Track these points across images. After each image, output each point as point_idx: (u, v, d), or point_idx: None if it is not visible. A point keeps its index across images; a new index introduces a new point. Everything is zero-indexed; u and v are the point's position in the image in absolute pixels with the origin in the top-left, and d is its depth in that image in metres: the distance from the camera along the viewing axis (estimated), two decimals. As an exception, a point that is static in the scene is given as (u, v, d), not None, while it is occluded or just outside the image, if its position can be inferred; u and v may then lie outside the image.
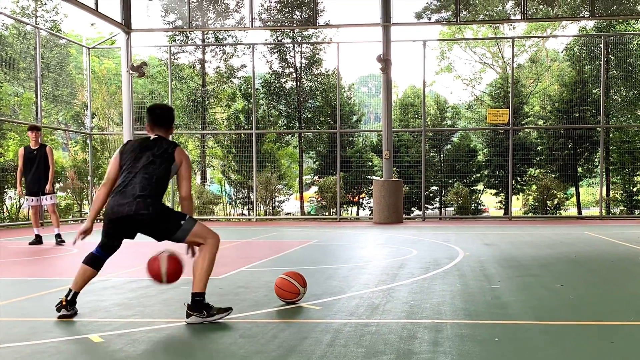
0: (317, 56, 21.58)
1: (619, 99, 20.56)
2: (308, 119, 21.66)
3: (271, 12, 20.29)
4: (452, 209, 20.85)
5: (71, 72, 21.87)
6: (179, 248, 4.49)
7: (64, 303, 4.49)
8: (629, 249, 9.12)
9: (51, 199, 10.30)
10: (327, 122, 21.41)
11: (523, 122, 21.23)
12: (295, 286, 4.91)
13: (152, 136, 4.54)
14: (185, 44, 21.98)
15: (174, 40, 21.92)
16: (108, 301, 5.18)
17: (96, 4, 16.45)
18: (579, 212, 20.67)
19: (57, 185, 18.60)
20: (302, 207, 21.98)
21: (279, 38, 21.98)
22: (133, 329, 4.15)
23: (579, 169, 20.56)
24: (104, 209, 4.50)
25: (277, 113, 21.95)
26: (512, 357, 3.45)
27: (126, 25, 17.63)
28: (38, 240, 10.35)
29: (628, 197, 19.91)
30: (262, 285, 5.87)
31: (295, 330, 4.07)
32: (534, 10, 17.92)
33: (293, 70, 21.56)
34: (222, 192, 21.65)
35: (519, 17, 18.00)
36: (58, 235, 10.37)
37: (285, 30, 21.72)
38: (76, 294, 4.53)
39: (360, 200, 21.55)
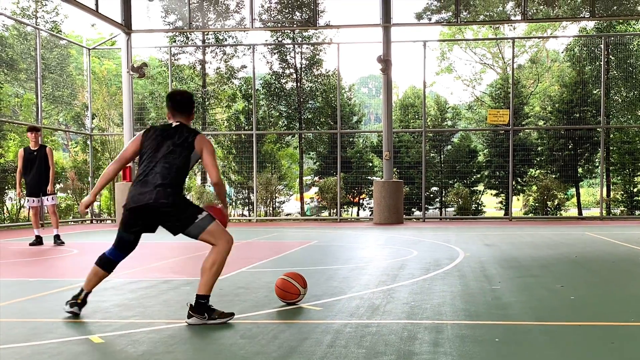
0: (317, 57, 21.59)
1: (620, 100, 20.56)
2: (308, 120, 21.67)
3: (271, 12, 20.30)
4: (453, 209, 20.85)
5: (71, 73, 21.89)
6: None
7: (78, 301, 4.52)
8: (630, 250, 9.11)
9: (52, 199, 10.31)
10: (327, 122, 21.42)
11: (523, 123, 21.23)
12: (295, 287, 4.91)
13: (174, 123, 4.51)
14: (185, 44, 21.99)
15: (174, 41, 21.93)
16: (108, 302, 5.18)
17: (96, 4, 16.46)
18: (580, 213, 20.66)
19: (58, 186, 18.61)
20: (302, 208, 21.98)
21: (279, 39, 22.00)
22: (133, 330, 4.15)
23: (580, 170, 20.56)
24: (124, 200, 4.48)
25: (278, 114, 21.96)
26: (513, 358, 3.45)
27: (126, 26, 17.63)
28: (38, 241, 10.35)
29: (628, 197, 19.91)
30: (262, 286, 5.87)
31: (295, 331, 4.07)
32: (534, 10, 17.92)
33: (293, 71, 21.57)
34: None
35: (519, 17, 18.00)
36: (57, 237, 10.38)
37: (286, 31, 21.73)
38: (87, 293, 4.55)
39: (361, 201, 21.55)
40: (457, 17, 17.26)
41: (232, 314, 4.41)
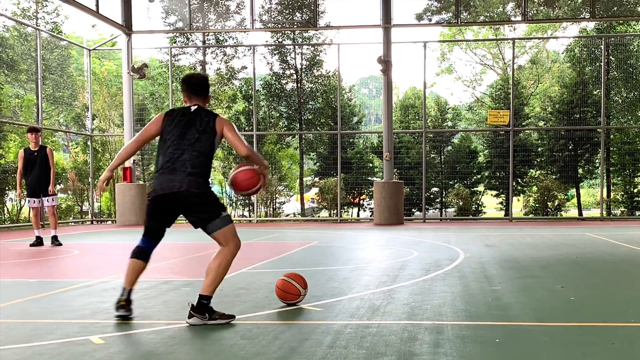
0: (317, 58, 21.60)
1: (620, 100, 20.57)
2: (309, 121, 21.67)
3: (272, 13, 20.31)
4: (453, 210, 20.85)
5: (72, 74, 21.90)
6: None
7: (123, 303, 4.39)
8: (630, 250, 9.11)
9: (52, 200, 10.31)
10: (327, 123, 21.42)
11: (524, 124, 21.23)
12: (296, 287, 4.91)
13: (192, 107, 4.50)
14: (186, 45, 22.00)
15: (175, 42, 21.95)
16: (109, 303, 5.17)
17: (97, 5, 16.47)
18: (580, 214, 20.65)
19: (58, 187, 18.61)
20: (302, 209, 21.99)
21: (280, 39, 22.01)
22: (134, 331, 4.15)
23: (580, 170, 20.56)
24: (148, 189, 4.46)
25: (278, 114, 21.97)
26: (513, 359, 3.45)
27: (127, 27, 17.65)
28: (39, 241, 10.35)
29: (629, 198, 19.91)
30: (262, 287, 5.87)
31: (296, 332, 4.07)
32: (535, 11, 17.93)
33: (294, 72, 21.58)
34: (222, 193, 21.66)
35: (519, 18, 18.00)
36: (55, 237, 10.38)
37: (286, 32, 21.74)
38: (130, 291, 4.43)
39: (361, 202, 21.55)
40: (458, 18, 17.27)
41: (233, 316, 4.41)
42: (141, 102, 21.26)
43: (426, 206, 19.26)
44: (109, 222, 19.79)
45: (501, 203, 21.41)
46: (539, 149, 20.93)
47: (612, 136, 20.14)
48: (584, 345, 3.73)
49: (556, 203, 19.74)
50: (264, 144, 20.73)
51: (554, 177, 20.07)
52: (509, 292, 5.52)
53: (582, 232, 12.87)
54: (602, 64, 18.73)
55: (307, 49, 21.67)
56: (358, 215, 21.52)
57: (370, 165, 21.61)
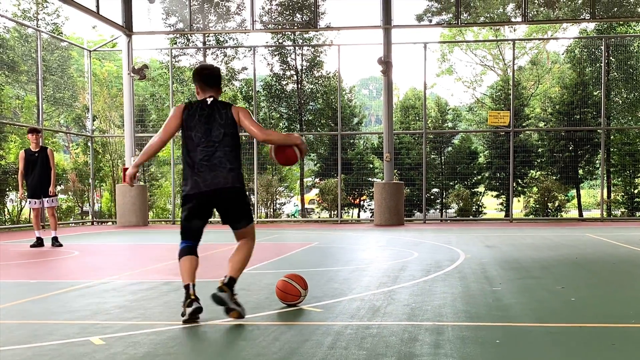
0: (318, 58, 21.61)
1: (620, 101, 20.57)
2: (309, 121, 21.67)
3: (272, 14, 20.33)
4: (453, 211, 20.85)
5: (72, 75, 21.91)
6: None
7: (193, 297, 4.29)
8: (630, 251, 9.11)
9: (53, 201, 10.32)
10: (328, 124, 21.43)
11: (524, 124, 21.24)
12: (296, 288, 4.90)
13: (208, 99, 4.51)
14: (186, 46, 22.01)
15: (175, 43, 21.95)
16: (109, 303, 5.18)
17: (97, 6, 16.48)
18: (580, 214, 20.65)
19: (58, 188, 18.61)
20: (302, 209, 21.98)
21: (280, 40, 22.02)
22: (134, 332, 4.15)
23: (580, 171, 20.56)
24: (183, 189, 4.43)
25: (278, 115, 21.97)
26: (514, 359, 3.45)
27: (127, 28, 17.66)
28: (39, 242, 10.36)
29: (629, 199, 19.90)
30: (263, 288, 5.87)
31: (296, 333, 4.07)
32: (535, 12, 17.93)
33: (294, 73, 21.59)
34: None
35: (519, 19, 18.01)
36: (55, 238, 10.38)
37: (286, 33, 21.74)
38: (194, 286, 4.35)
39: (361, 203, 21.55)
40: (458, 19, 17.27)
41: (243, 314, 4.43)
42: (141, 103, 21.27)
43: (426, 207, 19.26)
44: (110, 223, 19.80)
45: (501, 204, 21.41)
46: (539, 150, 20.93)
47: (612, 137, 20.15)
48: (584, 346, 3.73)
49: (556, 204, 19.74)
50: (264, 145, 20.72)
51: (554, 177, 20.07)
52: (509, 292, 5.52)
53: (583, 233, 12.86)
54: (602, 64, 18.74)
55: (308, 49, 21.68)
56: (358, 216, 21.52)
57: (371, 166, 21.61)
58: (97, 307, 4.99)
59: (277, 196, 20.90)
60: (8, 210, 18.14)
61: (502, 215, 21.10)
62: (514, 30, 27.71)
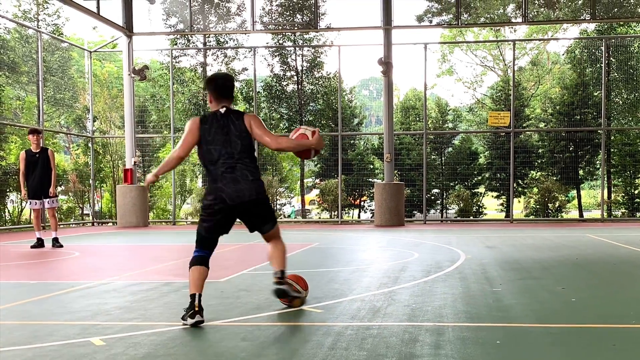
0: (318, 59, 21.61)
1: (620, 102, 20.56)
2: (309, 122, 21.67)
3: (272, 15, 20.33)
4: (454, 211, 20.86)
5: (73, 76, 21.91)
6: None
7: (196, 309, 4.29)
8: (631, 252, 9.11)
9: (53, 202, 10.33)
10: (328, 125, 21.43)
11: (524, 125, 21.24)
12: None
13: (221, 109, 4.52)
14: (186, 47, 22.02)
15: (176, 44, 21.96)
16: (110, 304, 5.18)
17: (98, 7, 16.49)
18: (581, 215, 20.65)
19: (59, 189, 18.61)
20: (303, 210, 21.98)
21: (281, 41, 22.02)
22: (135, 332, 4.15)
23: (581, 172, 20.55)
24: (206, 201, 4.45)
25: (279, 116, 21.97)
26: (514, 360, 3.45)
27: (128, 28, 17.66)
28: (40, 243, 10.36)
29: (629, 199, 19.89)
30: (263, 288, 5.87)
31: (297, 334, 4.07)
32: (535, 13, 17.93)
33: (294, 74, 21.59)
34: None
35: (520, 20, 18.01)
36: (55, 239, 10.38)
37: (287, 34, 21.75)
38: (200, 296, 4.37)
39: (362, 203, 21.55)
40: (458, 20, 17.27)
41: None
42: (142, 103, 21.27)
43: (427, 207, 19.26)
44: (110, 224, 19.80)
45: (502, 204, 21.41)
46: (540, 151, 20.93)
47: (612, 137, 20.14)
48: (585, 346, 3.73)
49: (557, 204, 19.74)
50: (264, 146, 20.72)
51: (554, 178, 20.06)
52: (509, 293, 5.52)
53: (583, 234, 12.86)
54: (602, 65, 18.73)
55: (308, 50, 21.68)
56: (359, 217, 21.51)
57: (371, 166, 21.61)
58: (97, 308, 5.00)
59: (278, 197, 20.89)
60: (8, 211, 18.14)
61: (502, 215, 21.09)
62: (514, 30, 27.70)
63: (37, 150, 10.21)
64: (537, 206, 20.00)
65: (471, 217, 19.96)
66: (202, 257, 4.48)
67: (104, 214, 21.10)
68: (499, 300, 5.17)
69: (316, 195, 21.88)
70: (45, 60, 18.39)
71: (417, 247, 10.10)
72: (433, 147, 21.34)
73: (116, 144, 20.80)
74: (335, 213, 19.77)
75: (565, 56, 24.00)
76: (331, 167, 20.53)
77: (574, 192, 21.09)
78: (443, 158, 21.48)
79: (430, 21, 18.75)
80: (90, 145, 19.87)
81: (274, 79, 21.65)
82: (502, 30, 28.27)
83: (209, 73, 22.20)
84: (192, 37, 21.67)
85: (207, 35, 21.59)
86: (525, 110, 21.83)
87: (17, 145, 18.17)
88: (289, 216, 22.20)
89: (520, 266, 7.45)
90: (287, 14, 20.21)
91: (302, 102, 21.50)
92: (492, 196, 21.70)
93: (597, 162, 20.19)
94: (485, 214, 21.69)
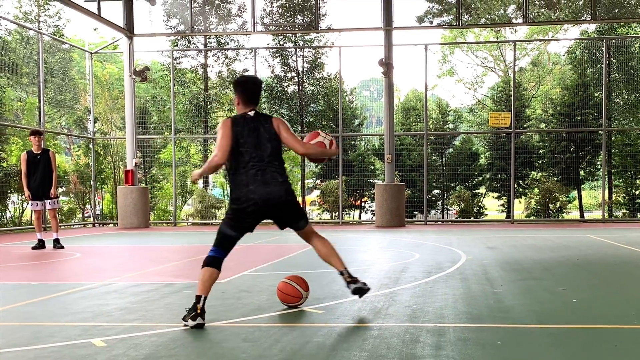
0: (319, 60, 21.61)
1: (621, 102, 20.55)
2: (310, 123, 21.68)
3: (273, 16, 20.34)
4: (453, 212, 20.85)
5: (74, 77, 21.93)
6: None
7: (199, 311, 4.28)
8: (632, 252, 9.10)
9: (55, 203, 10.34)
10: (329, 126, 21.43)
11: (525, 126, 21.23)
12: (297, 290, 4.91)
13: (250, 112, 4.59)
14: (187, 48, 22.03)
15: (177, 45, 21.97)
16: (111, 305, 5.18)
17: (99, 9, 16.50)
18: (582, 216, 20.64)
19: (60, 190, 18.63)
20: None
21: (281, 42, 22.03)
22: (136, 333, 4.15)
23: (581, 172, 20.54)
24: (237, 204, 4.46)
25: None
26: (515, 361, 3.44)
27: (129, 30, 17.68)
28: (41, 244, 10.37)
29: (630, 200, 19.88)
30: (264, 289, 5.87)
31: (297, 334, 4.07)
32: (536, 13, 17.93)
33: (295, 75, 21.60)
34: (224, 196, 21.67)
35: (520, 20, 18.02)
36: (56, 240, 10.39)
37: (287, 35, 21.76)
38: (205, 298, 4.37)
39: (363, 204, 21.55)
40: (459, 21, 17.28)
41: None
42: (143, 105, 21.29)
43: (427, 208, 19.26)
44: (111, 225, 19.81)
45: (503, 205, 21.40)
46: (541, 151, 20.92)
47: (613, 138, 20.14)
48: (586, 347, 3.73)
49: (558, 205, 19.73)
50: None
51: (555, 179, 20.05)
52: (510, 294, 5.52)
53: (584, 234, 12.86)
54: (603, 65, 18.73)
55: (309, 51, 21.68)
56: (359, 218, 21.51)
57: (372, 167, 21.61)
58: (98, 309, 5.00)
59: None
60: (10, 212, 18.16)
61: (503, 216, 21.09)
62: (515, 31, 27.71)
63: (39, 152, 10.22)
64: (538, 207, 19.99)
65: (472, 218, 19.95)
66: (217, 259, 4.47)
67: (105, 215, 21.11)
68: (500, 301, 5.17)
69: (317, 196, 21.88)
70: (46, 61, 18.41)
71: (418, 247, 10.10)
72: (434, 147, 21.34)
73: (117, 145, 20.81)
74: (336, 214, 19.77)
75: (565, 57, 24.00)
76: (332, 168, 20.53)
77: (574, 193, 21.08)
78: (444, 159, 21.48)
79: (431, 22, 18.76)
80: (91, 146, 19.88)
81: (275, 80, 21.66)
82: (502, 31, 28.27)
83: (210, 74, 22.22)
84: (192, 38, 21.69)
85: (207, 37, 21.61)
86: (526, 111, 21.83)
87: (18, 147, 18.19)
88: None
89: (521, 267, 7.45)
90: (288, 15, 20.22)
91: (303, 103, 21.51)
92: (493, 197, 21.70)
93: (598, 162, 20.18)
94: (486, 215, 21.68)
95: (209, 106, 21.51)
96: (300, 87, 21.55)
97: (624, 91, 20.44)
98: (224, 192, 21.74)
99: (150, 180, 21.79)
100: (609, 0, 17.19)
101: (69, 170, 20.61)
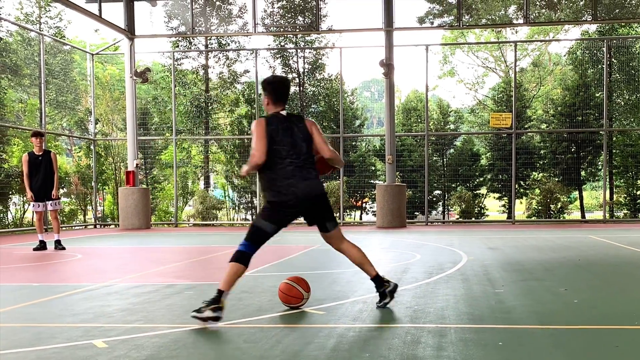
0: (320, 61, 21.64)
1: (622, 103, 20.55)
2: (311, 124, 21.69)
3: (274, 17, 20.36)
4: (455, 212, 20.85)
5: (75, 78, 21.96)
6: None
7: (221, 305, 4.32)
8: (633, 253, 9.09)
9: (56, 204, 10.34)
10: (330, 126, 21.45)
11: (526, 126, 21.23)
12: (299, 291, 4.91)
13: (282, 112, 4.67)
14: (188, 49, 22.05)
15: (178, 46, 22.00)
16: (112, 307, 5.19)
17: (100, 10, 16.52)
18: (583, 216, 20.63)
19: (61, 191, 18.65)
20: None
21: (282, 43, 22.05)
22: (137, 335, 4.15)
23: (582, 173, 20.54)
24: (278, 198, 4.51)
25: (280, 118, 21.98)
26: (516, 362, 3.44)
27: (130, 31, 17.69)
28: (42, 245, 10.38)
29: (631, 200, 19.87)
30: (265, 290, 5.88)
31: (298, 335, 4.07)
32: (536, 14, 17.93)
33: (296, 75, 21.61)
34: (225, 197, 21.68)
35: (521, 21, 18.02)
36: (58, 242, 10.40)
37: (288, 36, 21.77)
38: (227, 293, 4.40)
39: (364, 205, 21.56)
40: (460, 21, 17.28)
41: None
42: (144, 106, 21.31)
43: (428, 209, 19.26)
44: (112, 226, 19.82)
45: (504, 206, 21.40)
46: (542, 152, 20.92)
47: (614, 138, 20.13)
48: (587, 348, 3.73)
49: (559, 205, 19.72)
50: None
51: (556, 179, 20.05)
52: (512, 295, 5.51)
53: (585, 235, 12.85)
54: (604, 66, 18.73)
55: (309, 52, 21.70)
56: (361, 219, 21.51)
57: (373, 168, 21.62)
58: (100, 310, 5.00)
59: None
60: (11, 213, 18.18)
61: (504, 217, 21.08)
62: (516, 32, 27.73)
63: (40, 153, 10.23)
64: (539, 207, 19.98)
65: (473, 219, 19.95)
66: (246, 254, 4.50)
67: (106, 216, 21.12)
68: (501, 302, 5.17)
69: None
70: (48, 63, 18.44)
71: (419, 248, 10.09)
72: (435, 148, 21.34)
73: (118, 146, 20.83)
74: (337, 215, 19.78)
75: (566, 57, 24.00)
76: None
77: (575, 193, 21.07)
78: (445, 159, 21.48)
79: (432, 23, 18.77)
80: (92, 147, 19.90)
81: (276, 81, 21.65)
82: (503, 32, 28.27)
83: (211, 75, 22.24)
84: (193, 39, 21.71)
85: (208, 38, 21.63)
86: (527, 112, 21.83)
87: (19, 148, 18.22)
88: None
89: (522, 267, 7.45)
90: (289, 16, 20.24)
91: (304, 104, 21.52)
92: (494, 197, 21.69)
93: (599, 163, 20.18)
94: (487, 215, 21.67)
95: (210, 107, 21.53)
96: (301, 88, 21.57)
97: (625, 91, 20.43)
98: (225, 193, 21.74)
99: (151, 181, 21.81)
100: (610, 0, 17.19)
101: (70, 171, 20.63)
